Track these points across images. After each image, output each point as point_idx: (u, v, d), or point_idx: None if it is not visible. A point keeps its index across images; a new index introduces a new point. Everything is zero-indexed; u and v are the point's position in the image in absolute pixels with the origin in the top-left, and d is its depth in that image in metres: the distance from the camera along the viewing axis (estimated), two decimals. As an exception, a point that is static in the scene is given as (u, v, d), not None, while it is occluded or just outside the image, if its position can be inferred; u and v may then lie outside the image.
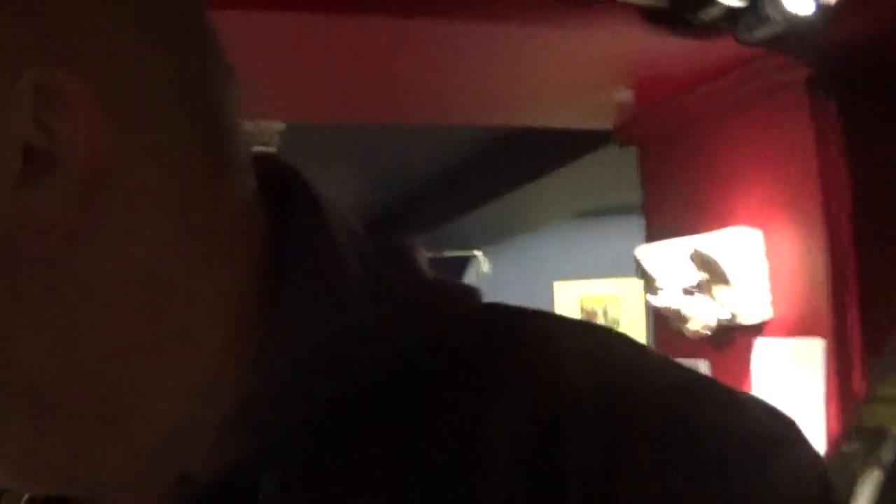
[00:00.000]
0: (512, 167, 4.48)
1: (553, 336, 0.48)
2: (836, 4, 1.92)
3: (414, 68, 2.37)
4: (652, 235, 2.77)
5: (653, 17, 2.11)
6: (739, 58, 2.27)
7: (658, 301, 2.34)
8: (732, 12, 2.05)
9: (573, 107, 2.77)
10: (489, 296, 0.51)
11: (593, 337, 0.48)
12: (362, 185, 5.48)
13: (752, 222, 2.37)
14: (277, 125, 3.59)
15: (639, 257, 2.39)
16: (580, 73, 2.40)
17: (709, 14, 2.06)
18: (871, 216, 2.24)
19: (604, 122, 2.98)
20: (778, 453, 0.43)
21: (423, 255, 0.52)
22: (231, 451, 0.43)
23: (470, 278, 6.17)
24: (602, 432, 0.42)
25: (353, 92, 2.61)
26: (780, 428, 0.45)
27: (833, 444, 2.07)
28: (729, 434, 0.43)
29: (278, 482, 0.42)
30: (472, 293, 0.51)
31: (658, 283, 2.32)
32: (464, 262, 6.39)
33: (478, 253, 6.33)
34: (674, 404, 0.44)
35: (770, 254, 2.33)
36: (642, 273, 2.40)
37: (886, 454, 1.76)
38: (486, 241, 6.23)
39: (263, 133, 3.60)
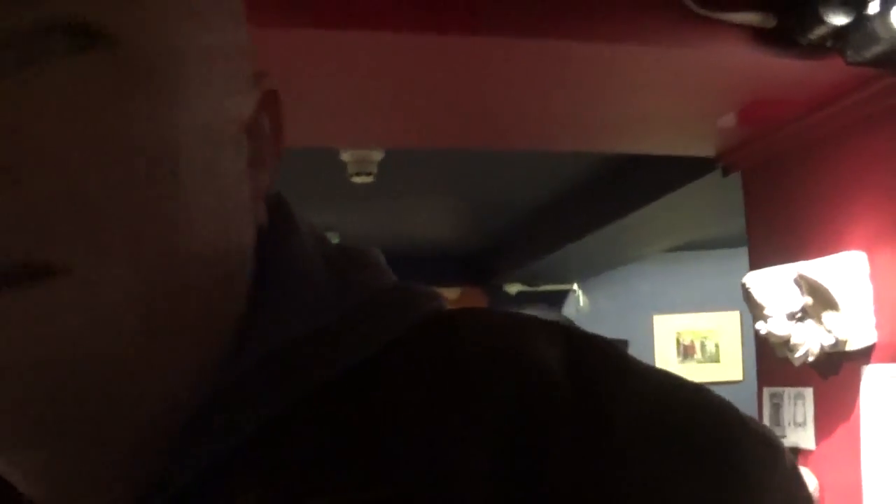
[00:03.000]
0: (611, 200, 4.46)
1: (524, 340, 0.46)
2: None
3: (517, 91, 2.32)
4: (756, 263, 2.70)
5: (762, 37, 2.08)
6: (854, 79, 2.22)
7: (766, 328, 2.28)
8: (839, 32, 2.02)
9: (678, 132, 2.72)
10: (588, 329, 0.50)
11: (568, 336, 0.47)
12: (458, 219, 5.51)
13: (857, 246, 2.31)
14: (376, 153, 3.64)
15: (747, 284, 2.33)
16: (687, 95, 2.36)
17: (816, 34, 2.02)
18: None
19: (707, 149, 2.92)
20: (775, 456, 0.44)
21: (382, 264, 0.54)
22: (195, 456, 0.43)
23: (568, 312, 6.15)
24: (586, 436, 0.41)
25: (454, 116, 2.57)
26: (766, 430, 0.46)
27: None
28: (726, 434, 0.43)
29: (250, 489, 0.42)
30: (436, 297, 0.51)
31: (767, 311, 2.25)
32: (561, 297, 6.38)
33: (575, 287, 6.31)
34: (668, 407, 0.43)
35: (875, 277, 2.27)
36: (750, 300, 2.34)
37: None
38: (583, 274, 6.20)
39: (362, 162, 3.65)
